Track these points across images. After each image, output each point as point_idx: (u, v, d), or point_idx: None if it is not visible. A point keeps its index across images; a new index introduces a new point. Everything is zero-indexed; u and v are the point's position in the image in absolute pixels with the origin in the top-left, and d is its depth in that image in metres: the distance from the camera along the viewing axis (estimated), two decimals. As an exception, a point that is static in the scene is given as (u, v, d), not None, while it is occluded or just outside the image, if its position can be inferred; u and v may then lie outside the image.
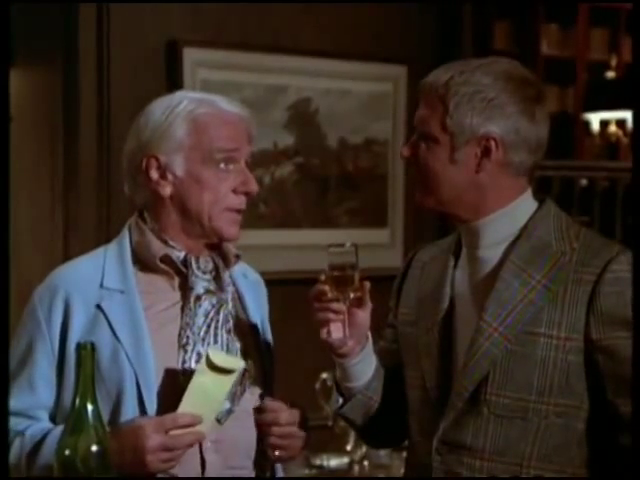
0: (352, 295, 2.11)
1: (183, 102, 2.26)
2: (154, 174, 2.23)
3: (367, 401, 2.25)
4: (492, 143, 2.09)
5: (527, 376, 2.05)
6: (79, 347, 1.86)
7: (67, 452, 1.82)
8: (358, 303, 2.13)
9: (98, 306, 2.19)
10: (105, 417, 2.10)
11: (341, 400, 2.25)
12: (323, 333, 2.12)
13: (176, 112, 2.24)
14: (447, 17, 5.35)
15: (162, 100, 2.28)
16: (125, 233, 2.29)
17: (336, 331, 2.12)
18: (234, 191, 2.24)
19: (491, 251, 2.14)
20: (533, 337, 2.06)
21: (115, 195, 4.32)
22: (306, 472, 3.86)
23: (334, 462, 3.89)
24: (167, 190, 2.24)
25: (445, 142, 2.11)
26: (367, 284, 2.12)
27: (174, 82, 4.52)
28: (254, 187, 2.25)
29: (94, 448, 1.83)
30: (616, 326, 2.04)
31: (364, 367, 2.21)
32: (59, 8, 4.50)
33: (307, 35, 4.91)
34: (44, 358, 2.19)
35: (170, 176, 2.23)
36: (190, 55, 4.59)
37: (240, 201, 2.25)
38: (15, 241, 4.34)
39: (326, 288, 2.10)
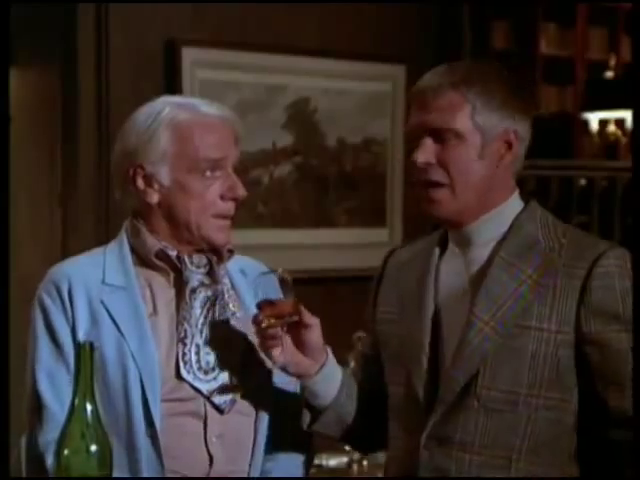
0: (288, 318, 2.13)
1: (165, 109, 2.25)
2: (140, 183, 2.25)
3: (338, 415, 2.24)
4: (513, 136, 2.13)
5: (518, 369, 2.07)
6: (78, 347, 1.86)
7: (66, 452, 1.83)
8: (303, 325, 2.15)
9: (101, 302, 2.21)
10: (115, 414, 2.15)
11: (309, 416, 2.24)
12: (270, 357, 2.16)
13: (159, 120, 2.24)
14: (446, 17, 5.35)
15: (146, 107, 2.28)
16: (123, 234, 2.31)
17: (279, 356, 2.16)
18: (221, 197, 2.24)
19: (481, 249, 2.15)
20: (524, 331, 2.07)
21: (114, 195, 4.32)
22: (305, 471, 3.86)
23: (333, 461, 3.89)
24: (154, 198, 2.25)
25: (474, 139, 2.11)
26: (300, 306, 2.14)
27: (173, 82, 4.53)
28: (241, 192, 2.26)
29: (93, 448, 1.83)
30: (607, 320, 2.06)
31: (328, 384, 2.21)
32: (58, 8, 4.50)
33: (306, 35, 4.92)
34: (70, 340, 2.20)
35: (156, 185, 2.24)
36: (189, 55, 4.60)
37: (228, 207, 2.25)
38: (15, 241, 4.35)
39: (260, 317, 2.12)
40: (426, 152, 2.12)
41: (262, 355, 2.26)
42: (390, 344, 2.24)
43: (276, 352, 2.15)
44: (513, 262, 2.11)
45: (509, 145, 2.14)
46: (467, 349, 2.09)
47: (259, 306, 2.14)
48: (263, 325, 2.12)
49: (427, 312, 2.17)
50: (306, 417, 2.24)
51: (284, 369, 2.18)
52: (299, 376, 2.19)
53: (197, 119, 2.25)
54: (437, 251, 2.21)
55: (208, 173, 2.23)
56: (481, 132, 2.11)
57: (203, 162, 2.22)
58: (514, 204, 2.18)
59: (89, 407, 1.84)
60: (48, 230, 4.58)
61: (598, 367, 2.07)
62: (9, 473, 2.11)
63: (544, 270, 2.09)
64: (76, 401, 1.84)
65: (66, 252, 4.38)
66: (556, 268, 2.09)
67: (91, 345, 1.86)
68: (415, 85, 2.17)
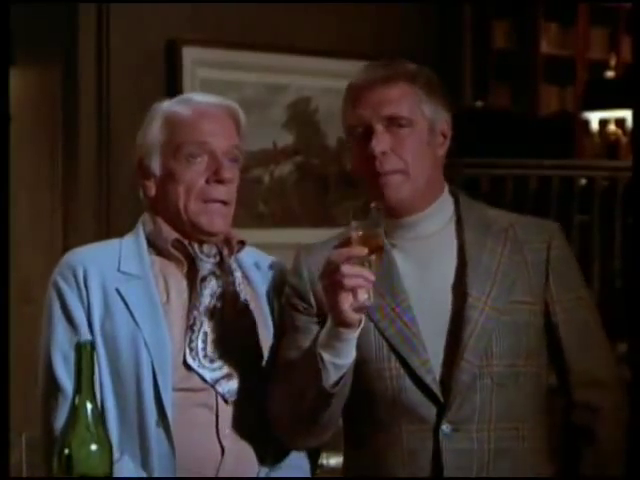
0: (374, 258, 2.02)
1: (164, 104, 2.31)
2: (141, 176, 2.30)
3: (347, 386, 2.15)
4: (447, 127, 2.26)
5: (516, 343, 2.18)
6: (79, 347, 1.86)
7: (67, 451, 1.83)
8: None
9: (117, 290, 2.22)
10: (126, 402, 2.16)
11: (331, 377, 2.08)
12: (346, 299, 2.01)
13: (154, 113, 2.29)
14: (447, 17, 5.35)
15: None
16: (139, 225, 2.33)
17: (362, 296, 2.03)
18: (207, 181, 2.25)
19: (435, 237, 2.24)
20: (515, 305, 2.20)
21: (115, 195, 4.32)
22: (306, 471, 3.85)
23: (333, 461, 3.89)
24: (152, 191, 2.29)
25: (422, 126, 2.21)
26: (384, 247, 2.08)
27: (174, 82, 4.53)
28: (224, 175, 2.24)
29: (93, 447, 1.83)
30: (570, 289, 2.24)
31: (354, 342, 2.11)
32: (59, 8, 4.50)
33: (306, 34, 4.91)
34: (85, 324, 2.20)
35: (152, 176, 2.29)
36: (190, 54, 4.59)
37: (216, 191, 2.25)
38: (15, 241, 4.34)
39: (362, 251, 2.01)
40: (382, 141, 2.18)
41: (270, 346, 2.27)
42: (367, 342, 2.19)
43: (361, 292, 2.02)
44: (483, 243, 2.22)
45: (445, 136, 2.26)
46: (476, 330, 2.16)
47: (353, 241, 2.01)
48: (359, 260, 2.00)
49: (406, 304, 2.19)
50: (329, 376, 2.09)
51: (345, 315, 2.02)
52: (352, 324, 2.05)
53: (187, 107, 2.29)
54: (388, 245, 2.21)
55: (192, 158, 2.25)
56: (427, 121, 2.22)
57: (187, 145, 2.24)
58: (448, 197, 2.29)
59: (89, 406, 1.84)
60: (49, 230, 4.57)
61: (568, 333, 2.23)
62: (9, 473, 2.11)
63: (510, 247, 2.22)
64: (77, 400, 1.84)
65: (67, 251, 4.37)
66: (520, 245, 2.23)
67: (92, 344, 1.86)
68: (356, 80, 2.24)
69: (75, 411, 1.84)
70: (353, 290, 2.02)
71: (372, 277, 2.02)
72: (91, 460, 1.82)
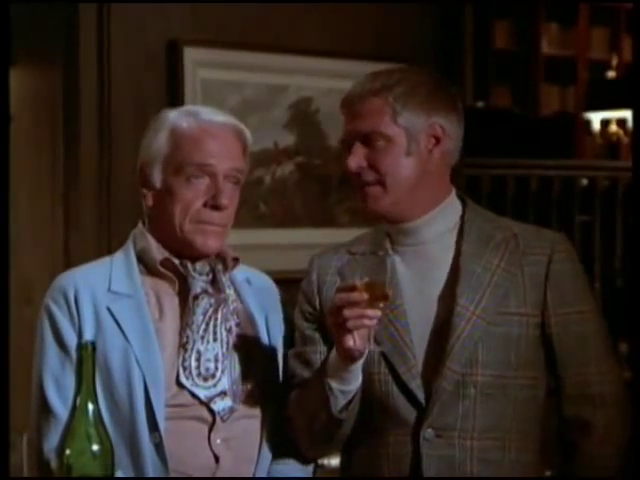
0: (381, 305, 2.08)
1: (171, 114, 2.30)
2: (141, 184, 2.29)
3: (357, 405, 2.21)
4: (439, 130, 2.24)
5: (505, 354, 2.19)
6: (80, 347, 1.86)
7: (68, 451, 1.82)
8: None
9: (108, 309, 2.22)
10: (120, 420, 2.16)
11: (340, 402, 2.16)
12: (348, 341, 2.07)
13: (160, 123, 2.28)
14: (447, 17, 5.35)
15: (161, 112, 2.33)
16: (129, 242, 2.32)
17: (363, 337, 2.08)
18: (204, 204, 2.25)
19: (436, 245, 2.26)
20: (506, 317, 2.20)
21: (115, 195, 4.32)
22: (307, 471, 3.84)
23: (335, 461, 3.89)
24: (150, 201, 2.29)
25: (399, 138, 2.22)
26: (391, 293, 2.13)
27: (175, 82, 4.51)
28: (221, 201, 2.24)
29: (95, 448, 1.83)
30: (569, 301, 2.23)
31: (360, 369, 2.18)
32: (59, 8, 4.49)
33: (308, 34, 4.91)
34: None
35: (151, 188, 2.28)
36: (191, 55, 4.58)
37: (212, 216, 2.25)
38: (15, 241, 4.34)
39: (364, 296, 2.05)
40: (356, 157, 2.23)
41: (265, 361, 2.29)
42: None
43: (360, 334, 2.07)
44: (480, 254, 2.23)
45: (437, 140, 2.25)
46: (461, 339, 2.17)
47: (358, 286, 2.05)
48: (364, 304, 2.05)
49: (401, 310, 2.22)
50: (337, 402, 2.16)
51: (348, 353, 2.09)
52: (357, 360, 2.12)
53: (196, 124, 2.27)
54: (390, 251, 2.27)
55: (193, 179, 2.24)
56: (405, 131, 2.22)
57: (188, 165, 2.24)
58: (455, 203, 2.30)
59: (91, 407, 1.84)
60: (49, 230, 4.57)
61: (561, 346, 2.22)
62: (9, 473, 2.10)
63: (508, 259, 2.23)
64: (78, 401, 1.84)
65: (67, 251, 4.37)
66: (518, 257, 2.23)
67: (93, 345, 1.86)
68: (345, 94, 2.28)
69: (77, 411, 1.83)
70: (353, 331, 2.07)
71: (376, 314, 2.06)
72: (93, 460, 1.82)
